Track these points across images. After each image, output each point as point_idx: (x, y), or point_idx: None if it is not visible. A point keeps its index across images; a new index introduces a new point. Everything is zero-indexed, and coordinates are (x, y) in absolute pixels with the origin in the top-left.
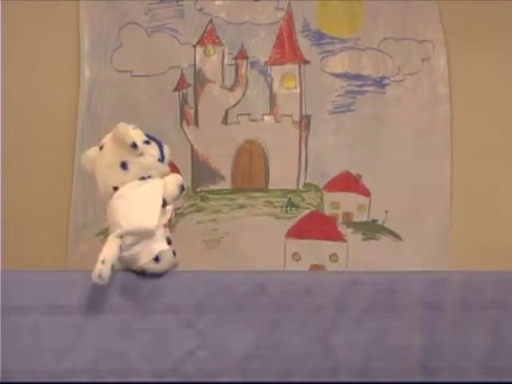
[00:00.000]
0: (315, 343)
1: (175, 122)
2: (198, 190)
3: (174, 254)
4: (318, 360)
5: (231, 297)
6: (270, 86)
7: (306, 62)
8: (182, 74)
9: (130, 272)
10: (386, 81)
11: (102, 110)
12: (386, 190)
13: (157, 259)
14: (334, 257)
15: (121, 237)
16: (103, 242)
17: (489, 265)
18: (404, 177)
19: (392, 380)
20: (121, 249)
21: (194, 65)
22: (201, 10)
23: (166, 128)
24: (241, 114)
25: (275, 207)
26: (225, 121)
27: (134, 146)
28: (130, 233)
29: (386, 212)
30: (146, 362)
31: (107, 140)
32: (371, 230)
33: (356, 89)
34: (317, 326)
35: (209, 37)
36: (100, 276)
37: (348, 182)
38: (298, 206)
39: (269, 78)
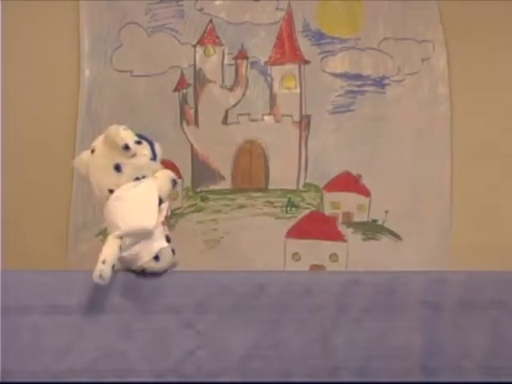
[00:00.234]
0: (315, 343)
1: (175, 122)
2: (198, 190)
3: (173, 252)
4: (318, 360)
5: (231, 297)
6: (270, 86)
7: (306, 62)
8: (182, 74)
9: (130, 272)
10: (386, 81)
11: (102, 109)
12: (386, 190)
13: (156, 258)
14: (333, 257)
15: (120, 237)
16: (103, 242)
17: (489, 265)
18: (404, 177)
19: (392, 380)
20: (121, 249)
21: (194, 65)
22: (201, 10)
23: (166, 128)
24: (241, 114)
25: (275, 207)
26: (225, 121)
27: (127, 147)
28: (129, 234)
29: (386, 212)
30: (146, 362)
31: (98, 143)
32: (371, 229)
33: (356, 89)
34: (317, 325)
35: (209, 37)
36: (101, 276)
37: (348, 182)
38: (297, 206)
39: (269, 78)
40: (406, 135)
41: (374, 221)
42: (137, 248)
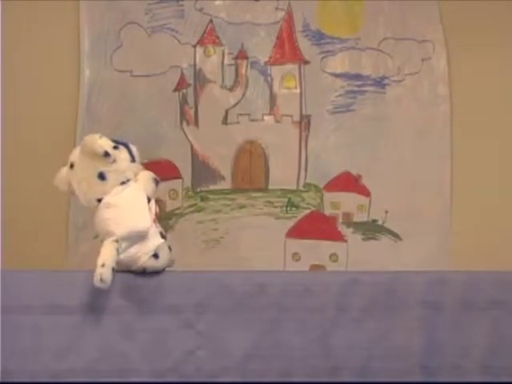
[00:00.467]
0: (315, 343)
1: (175, 122)
2: (198, 190)
3: (170, 249)
4: (318, 360)
5: (231, 297)
6: (270, 86)
7: (306, 62)
8: (182, 74)
9: (130, 272)
10: (386, 81)
11: (101, 109)
12: (386, 190)
13: (155, 255)
14: (333, 257)
15: (116, 241)
16: (102, 243)
17: (489, 265)
18: (404, 177)
19: (392, 380)
20: (118, 252)
21: (194, 65)
22: (201, 10)
23: (166, 128)
24: (241, 114)
25: (275, 207)
26: (225, 121)
27: (107, 154)
28: (126, 237)
29: (386, 212)
30: (146, 362)
31: (76, 156)
32: (371, 230)
33: (356, 89)
34: (317, 326)
35: (209, 37)
36: (102, 280)
37: (348, 182)
38: (297, 206)
39: (269, 78)
40: (406, 135)
41: (374, 221)
42: (133, 250)
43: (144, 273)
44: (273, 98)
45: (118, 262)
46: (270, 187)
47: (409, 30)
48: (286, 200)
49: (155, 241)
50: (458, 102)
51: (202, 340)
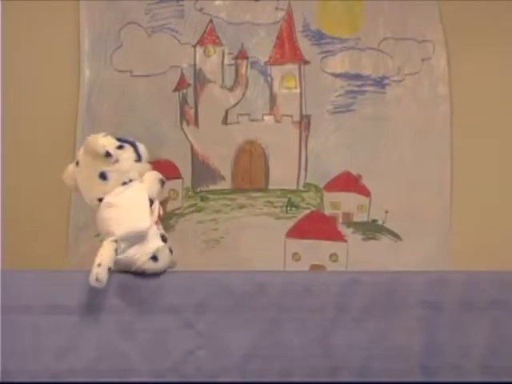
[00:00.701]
0: (315, 343)
1: (175, 122)
2: (198, 190)
3: (171, 251)
4: (318, 360)
5: (231, 297)
6: (270, 86)
7: (306, 62)
8: (182, 74)
9: (131, 272)
10: (386, 81)
11: (101, 109)
12: (386, 190)
13: (155, 258)
14: (333, 257)
15: (115, 241)
16: (102, 243)
17: (489, 265)
18: (404, 177)
19: (392, 380)
20: (116, 252)
21: (194, 65)
22: (201, 10)
23: (166, 128)
24: (241, 114)
25: (275, 207)
26: (225, 121)
27: (108, 154)
28: (125, 237)
29: (386, 212)
30: (146, 362)
31: (80, 155)
32: (371, 230)
33: (356, 89)
34: (317, 326)
35: (209, 37)
36: (98, 279)
37: (348, 182)
38: (297, 206)
39: (269, 78)
40: (406, 135)
41: (374, 221)
42: (132, 251)
43: (144, 274)
44: (273, 98)
45: (117, 263)
46: (270, 187)
47: (409, 30)
48: (285, 200)
49: (155, 243)
50: (457, 101)
51: (202, 340)
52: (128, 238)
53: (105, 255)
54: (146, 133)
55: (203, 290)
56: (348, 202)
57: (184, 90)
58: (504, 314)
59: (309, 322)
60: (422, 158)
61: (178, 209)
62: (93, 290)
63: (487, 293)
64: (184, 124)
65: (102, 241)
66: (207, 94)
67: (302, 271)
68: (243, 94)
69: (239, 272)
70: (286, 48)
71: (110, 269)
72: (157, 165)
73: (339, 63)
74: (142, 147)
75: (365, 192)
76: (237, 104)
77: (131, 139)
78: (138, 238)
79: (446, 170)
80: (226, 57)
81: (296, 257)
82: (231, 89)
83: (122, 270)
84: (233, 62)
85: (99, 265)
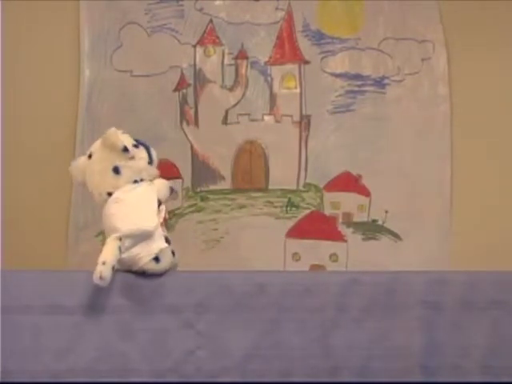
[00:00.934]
0: (315, 343)
1: (175, 121)
2: (198, 190)
3: (173, 253)
4: (318, 360)
5: (231, 297)
6: (270, 86)
7: (306, 62)
8: (182, 74)
9: (131, 272)
10: (386, 81)
11: (101, 109)
12: (386, 190)
13: (157, 259)
14: (333, 257)
15: (119, 239)
16: (103, 242)
17: (489, 265)
18: (404, 177)
19: (392, 380)
20: (120, 250)
21: (194, 65)
22: (201, 10)
23: (165, 128)
24: (241, 114)
25: (275, 207)
26: (225, 121)
27: (126, 149)
28: (130, 235)
29: (386, 212)
30: (146, 362)
31: (96, 147)
32: (371, 229)
33: (356, 89)
34: (317, 326)
35: (209, 37)
36: (101, 277)
37: (348, 182)
38: (297, 206)
39: (269, 78)
40: (406, 135)
41: (374, 221)
42: (136, 250)
43: (144, 274)
44: (273, 98)
45: (120, 261)
46: (270, 187)
47: (409, 30)
48: (285, 200)
49: (159, 244)
50: (457, 101)
51: (202, 340)
52: (133, 235)
53: (109, 253)
54: (145, 133)
55: (203, 290)
56: (348, 201)
57: (184, 90)
58: (504, 313)
59: (309, 322)
60: (422, 157)
61: (178, 209)
62: (93, 290)
63: (487, 293)
64: (184, 124)
65: (103, 240)
66: (207, 93)
67: (302, 271)
68: (243, 94)
69: (239, 272)
70: (286, 48)
71: (113, 267)
72: (157, 165)
73: (339, 63)
74: (154, 152)
75: (365, 192)
76: (237, 104)
77: (145, 142)
78: (144, 236)
79: (446, 169)
80: (226, 57)
81: (296, 257)
82: (231, 89)
83: (124, 269)
84: (233, 62)
85: (104, 263)
